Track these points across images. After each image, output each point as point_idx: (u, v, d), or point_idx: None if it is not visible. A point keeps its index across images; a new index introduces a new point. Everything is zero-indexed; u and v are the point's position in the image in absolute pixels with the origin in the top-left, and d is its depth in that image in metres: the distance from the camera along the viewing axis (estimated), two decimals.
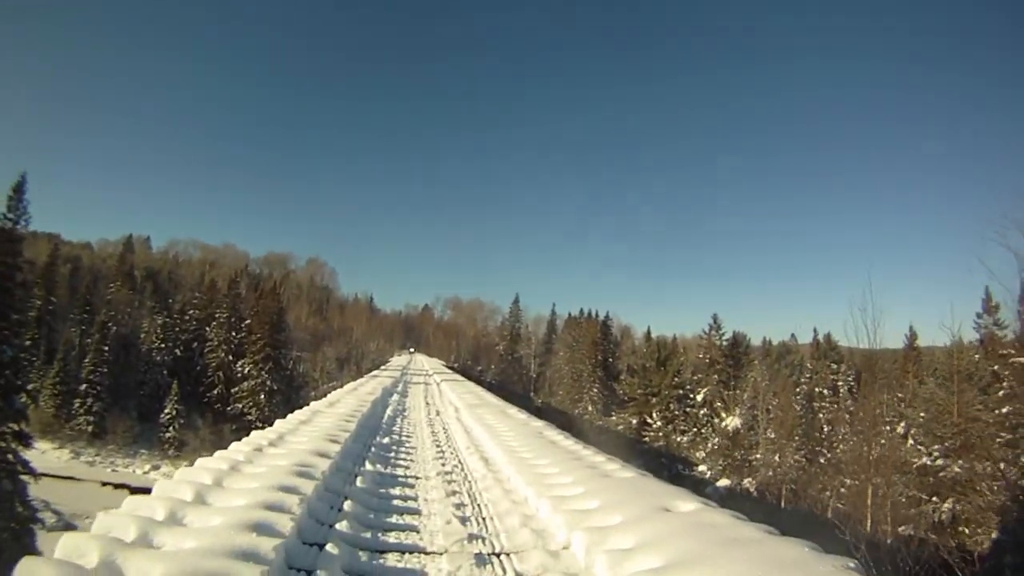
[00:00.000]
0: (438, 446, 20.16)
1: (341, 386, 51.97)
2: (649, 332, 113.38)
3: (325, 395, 36.52)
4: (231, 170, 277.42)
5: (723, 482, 65.35)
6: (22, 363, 48.98)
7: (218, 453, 12.17)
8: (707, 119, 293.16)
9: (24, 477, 41.62)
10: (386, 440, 19.83)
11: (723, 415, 70.53)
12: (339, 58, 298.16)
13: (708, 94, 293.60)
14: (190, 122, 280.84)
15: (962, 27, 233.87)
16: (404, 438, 21.40)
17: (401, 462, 16.53)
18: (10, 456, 40.65)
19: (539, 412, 59.31)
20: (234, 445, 13.55)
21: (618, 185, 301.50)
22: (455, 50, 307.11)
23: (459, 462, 17.10)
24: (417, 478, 14.50)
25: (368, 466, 14.73)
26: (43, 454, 70.90)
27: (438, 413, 31.66)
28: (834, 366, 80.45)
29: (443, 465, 16.35)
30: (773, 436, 66.32)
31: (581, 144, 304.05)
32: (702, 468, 69.09)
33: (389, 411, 29.35)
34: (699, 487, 59.44)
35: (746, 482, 64.11)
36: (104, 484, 66.29)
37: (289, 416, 20.52)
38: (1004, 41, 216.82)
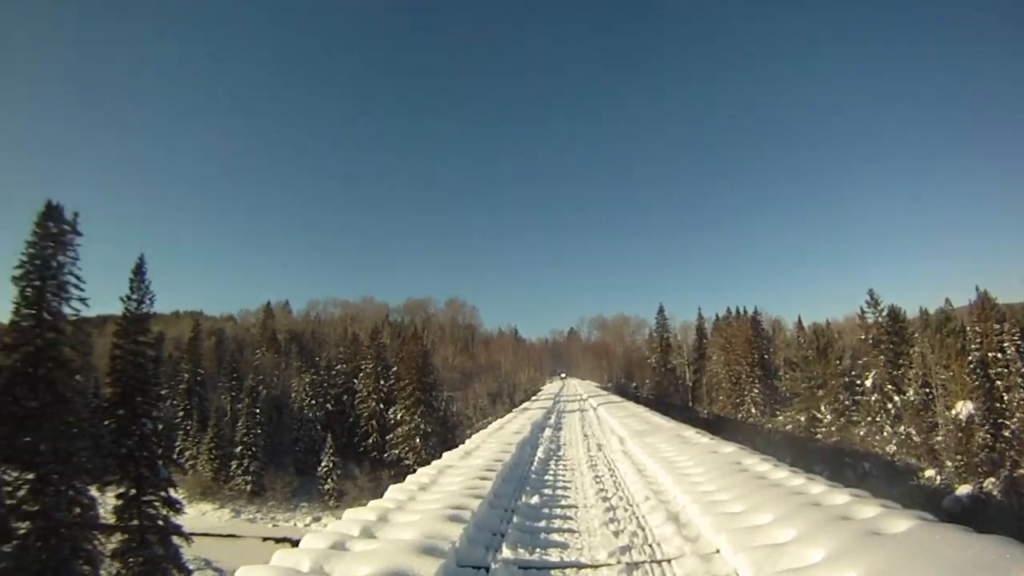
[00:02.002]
0: (606, 499, 14.23)
1: (495, 419, 48.23)
2: (800, 321, 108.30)
3: (480, 431, 33.56)
4: (360, 228, 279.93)
5: (963, 488, 55.17)
6: (163, 435, 49.80)
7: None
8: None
9: (177, 540, 44.66)
10: (535, 500, 14.27)
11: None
12: (458, 88, 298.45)
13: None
14: (312, 192, 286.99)
15: None
16: (559, 492, 15.76)
17: (555, 539, 10.85)
18: (160, 522, 43.48)
19: (709, 425, 52.79)
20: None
21: (751, 177, 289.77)
22: (574, 64, 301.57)
23: (642, 532, 11.09)
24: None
25: (506, 552, 9.69)
26: (203, 515, 74.78)
27: (599, 447, 25.60)
28: (996, 326, 68.42)
29: (617, 537, 10.60)
30: (952, 413, 59.27)
31: (710, 142, 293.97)
32: (929, 473, 58.32)
33: (540, 452, 24.03)
34: (933, 499, 51.81)
35: (988, 484, 54.40)
36: (265, 539, 65.74)
37: (409, 478, 15.70)
38: None
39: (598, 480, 17.21)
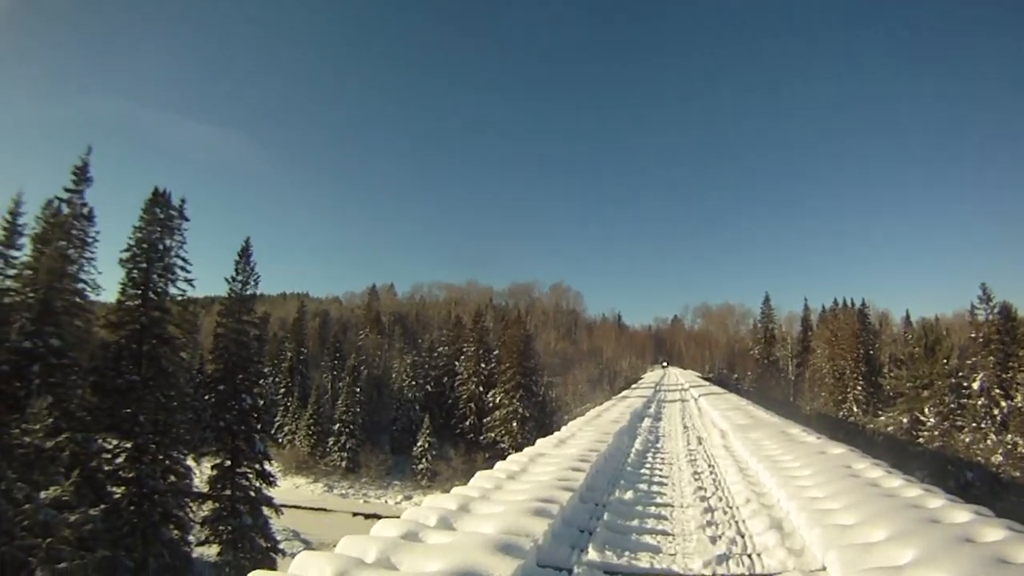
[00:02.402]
0: (704, 499, 13.29)
1: (594, 406, 47.56)
2: (908, 316, 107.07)
3: (577, 418, 32.76)
4: (466, 208, 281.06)
5: None
6: (263, 410, 51.15)
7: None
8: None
9: (267, 511, 47.03)
10: (628, 495, 13.40)
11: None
12: (565, 72, 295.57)
13: None
14: (419, 175, 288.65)
15: None
16: (654, 489, 14.78)
17: (646, 542, 10.00)
18: (252, 493, 46.17)
19: (810, 422, 50.77)
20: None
21: (861, 159, 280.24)
22: (664, 53, 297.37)
23: (741, 540, 10.11)
24: None
25: (592, 554, 8.94)
26: (297, 488, 77.43)
27: (700, 441, 24.69)
28: None
29: (714, 544, 9.70)
30: None
31: (820, 134, 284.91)
32: None
33: (638, 444, 22.99)
34: None
35: None
36: (355, 515, 63.31)
37: (499, 465, 15.06)
38: None
39: (697, 477, 16.30)
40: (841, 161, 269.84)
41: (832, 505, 10.46)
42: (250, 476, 47.01)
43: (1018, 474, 55.37)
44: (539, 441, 20.15)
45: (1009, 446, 57.70)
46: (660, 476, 16.48)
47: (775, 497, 12.62)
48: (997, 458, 57.80)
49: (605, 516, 11.03)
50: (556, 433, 23.14)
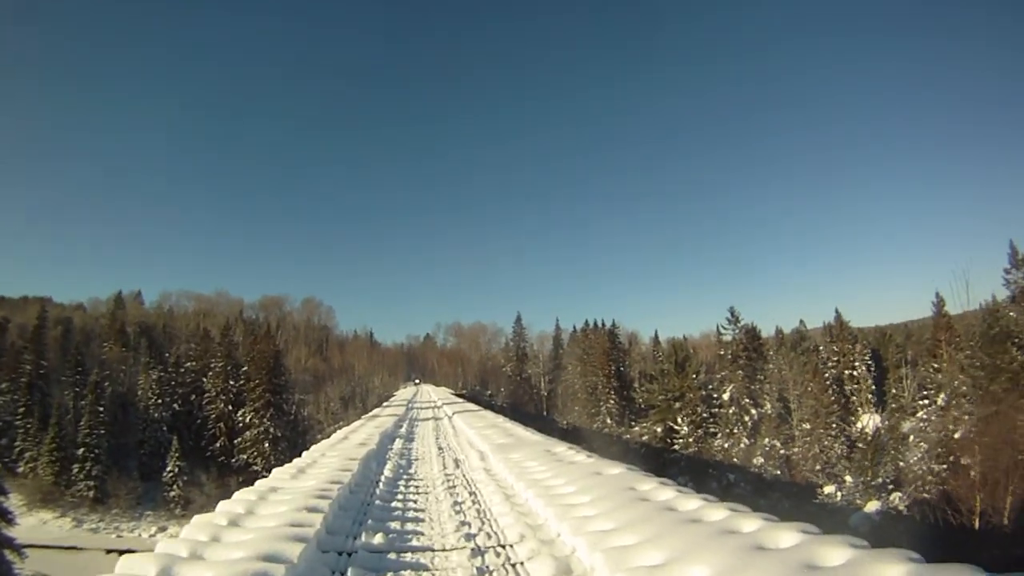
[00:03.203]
0: (469, 537, 10.78)
1: (347, 424, 44.47)
2: (657, 336, 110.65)
3: (322, 441, 29.30)
4: (218, 217, 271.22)
5: (872, 505, 53.67)
6: None
7: None
8: (691, 117, 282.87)
9: (11, 555, 40.77)
10: (378, 539, 10.41)
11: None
12: (319, 86, 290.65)
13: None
14: (173, 168, 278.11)
15: None
16: (409, 528, 11.88)
17: None
18: None
19: (567, 435, 50.61)
20: None
21: (609, 193, 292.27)
22: (436, 69, 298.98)
23: None
24: None
25: None
26: (44, 524, 68.46)
27: (457, 463, 21.51)
28: (849, 347, 75.67)
29: None
30: (808, 427, 61.12)
31: (565, 153, 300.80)
32: (828, 490, 57.32)
33: (388, 470, 19.38)
34: (836, 517, 50.10)
35: (895, 499, 53.33)
36: (109, 551, 58.55)
37: (220, 507, 11.60)
38: None
39: (458, 509, 13.59)
40: (580, 179, 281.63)
41: (628, 539, 8.45)
42: None
43: (779, 472, 59.79)
44: (274, 471, 17.04)
45: (767, 447, 61.65)
46: (415, 510, 13.79)
47: (554, 531, 10.51)
48: (759, 459, 61.76)
49: (349, 573, 8.55)
50: (296, 460, 19.55)
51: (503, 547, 10.15)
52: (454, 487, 16.52)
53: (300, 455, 21.21)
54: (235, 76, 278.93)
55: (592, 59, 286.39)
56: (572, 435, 64.56)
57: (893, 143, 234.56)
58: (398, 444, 28.23)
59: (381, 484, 16.66)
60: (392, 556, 9.73)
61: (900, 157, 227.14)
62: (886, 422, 62.78)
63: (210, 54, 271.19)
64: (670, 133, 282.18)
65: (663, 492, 11.30)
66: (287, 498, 12.28)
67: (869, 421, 68.24)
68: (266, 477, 16.14)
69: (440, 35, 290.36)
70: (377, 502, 14.35)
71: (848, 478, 56.01)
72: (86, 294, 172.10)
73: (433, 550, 10.11)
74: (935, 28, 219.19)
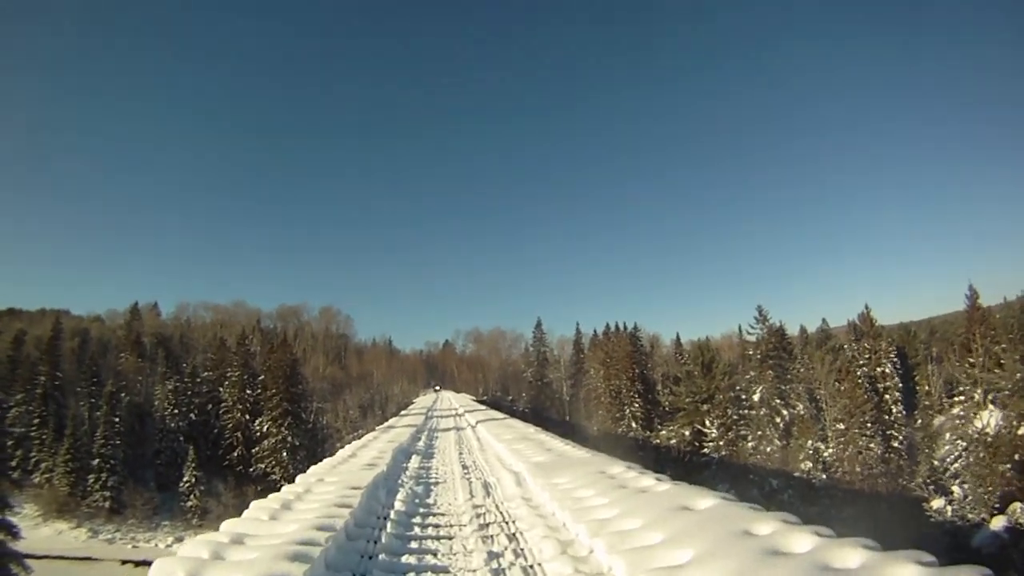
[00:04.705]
0: None
1: (366, 432, 41.70)
2: (678, 338, 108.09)
3: (326, 459, 23.62)
4: (235, 227, 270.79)
5: (997, 522, 45.78)
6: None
7: None
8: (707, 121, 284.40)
9: (16, 569, 38.89)
10: None
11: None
12: (336, 91, 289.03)
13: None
14: (190, 179, 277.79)
15: None
16: None
17: None
18: None
19: (596, 444, 46.12)
20: None
21: (626, 196, 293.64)
22: (445, 81, 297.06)
23: None
24: None
25: None
26: (59, 535, 66.07)
27: (487, 491, 16.36)
28: (877, 344, 70.76)
29: None
30: (842, 427, 56.66)
31: (581, 158, 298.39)
32: (936, 504, 50.90)
33: (399, 502, 14.38)
34: (957, 537, 44.60)
35: (1015, 510, 46.12)
36: (124, 562, 59.55)
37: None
38: None
39: (498, 570, 9.01)
40: (591, 189, 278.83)
41: None
42: None
43: (824, 476, 55.35)
44: (252, 506, 12.07)
45: (810, 450, 57.48)
46: (435, 572, 9.19)
47: None
48: (805, 464, 57.31)
49: None
50: (280, 494, 14.07)
51: None
52: (487, 528, 11.78)
53: (318, 462, 18.82)
54: (253, 84, 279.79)
55: (614, 66, 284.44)
56: (603, 442, 60.75)
57: (909, 141, 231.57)
58: (414, 462, 23.43)
59: (389, 526, 11.88)
60: None
61: (919, 155, 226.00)
62: (1000, 420, 55.65)
63: (228, 61, 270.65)
64: (687, 135, 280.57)
65: (798, 539, 7.40)
66: (253, 557, 8.16)
67: (945, 421, 64.43)
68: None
69: (461, 40, 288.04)
70: (381, 557, 9.76)
71: (956, 489, 49.40)
72: (104, 306, 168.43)
73: None
74: (954, 25, 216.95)
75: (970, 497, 45.42)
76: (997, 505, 45.57)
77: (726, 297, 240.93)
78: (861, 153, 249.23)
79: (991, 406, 56.19)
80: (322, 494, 13.50)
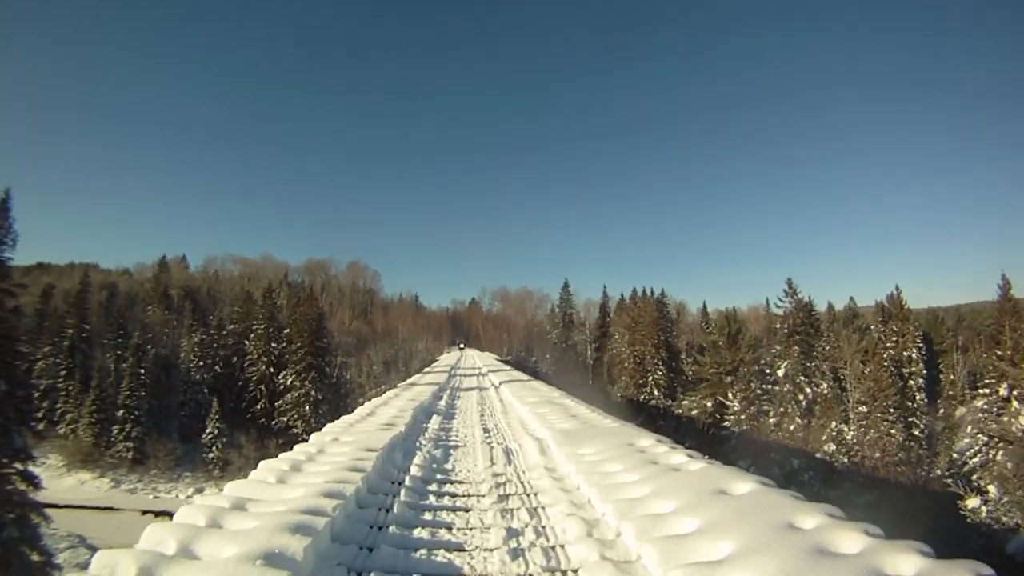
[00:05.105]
0: None
1: (390, 388, 41.82)
2: (705, 307, 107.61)
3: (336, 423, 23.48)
4: (264, 180, 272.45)
5: None
6: (23, 398, 41.43)
7: None
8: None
9: (36, 518, 35.09)
10: None
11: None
12: (364, 59, 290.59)
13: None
14: (218, 134, 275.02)
15: None
16: None
17: None
18: (16, 498, 34.32)
19: (620, 411, 44.50)
20: None
21: (662, 163, 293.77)
22: (476, 44, 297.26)
23: None
24: None
25: None
26: (82, 484, 66.81)
27: (509, 457, 15.35)
28: (905, 327, 69.89)
29: None
30: (865, 409, 54.42)
31: (616, 122, 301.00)
32: (972, 503, 42.92)
33: (416, 467, 13.26)
34: (992, 540, 39.17)
35: None
36: (145, 512, 58.08)
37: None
38: None
39: (517, 549, 8.29)
40: (629, 152, 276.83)
41: None
42: (14, 479, 37.33)
43: (845, 460, 53.35)
44: (261, 466, 11.42)
45: (834, 432, 55.36)
46: (447, 549, 8.40)
47: None
48: (829, 446, 55.08)
49: None
50: (297, 449, 13.67)
51: None
52: (506, 500, 11.00)
53: (339, 418, 18.59)
54: (278, 41, 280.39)
55: (647, 36, 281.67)
56: (624, 409, 60.50)
57: (957, 127, 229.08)
58: (435, 423, 22.26)
59: (403, 493, 10.99)
60: None
61: (955, 141, 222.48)
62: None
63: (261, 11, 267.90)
64: (725, 105, 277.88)
65: (847, 537, 6.84)
66: (249, 526, 7.53)
67: (967, 413, 63.09)
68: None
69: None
70: (392, 529, 8.96)
71: (992, 489, 43.05)
72: (132, 260, 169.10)
73: None
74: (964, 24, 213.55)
75: (1006, 499, 42.40)
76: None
77: (753, 269, 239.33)
78: (897, 134, 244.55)
79: None
80: (335, 455, 12.83)
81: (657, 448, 13.12)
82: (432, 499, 11.15)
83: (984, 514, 40.97)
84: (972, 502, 41.76)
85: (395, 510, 9.94)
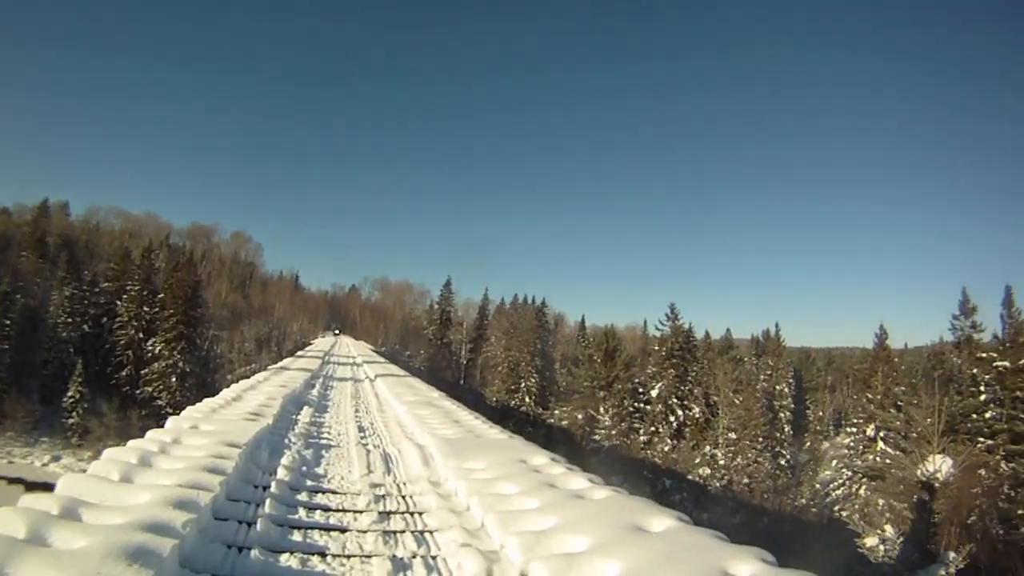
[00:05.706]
0: None
1: (261, 369, 40.92)
2: (583, 321, 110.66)
3: (240, 380, 25.18)
4: (158, 133, 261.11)
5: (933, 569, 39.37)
6: None
7: None
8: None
9: None
10: None
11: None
12: (268, 32, 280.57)
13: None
14: (115, 83, 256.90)
15: None
16: None
17: None
18: None
19: (494, 414, 44.11)
20: None
21: (553, 171, 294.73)
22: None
23: None
24: None
25: None
26: None
27: (388, 466, 13.68)
28: (778, 363, 74.26)
29: None
30: (734, 436, 57.01)
31: (523, 129, 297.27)
32: (870, 541, 43.60)
33: (282, 471, 11.59)
34: None
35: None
36: None
37: None
38: None
39: None
40: (524, 156, 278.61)
41: None
42: None
43: (719, 484, 54.62)
44: (104, 457, 9.78)
45: (707, 455, 57.59)
46: None
47: None
48: (703, 470, 56.57)
49: None
50: (149, 436, 11.95)
51: None
52: (388, 519, 9.50)
53: (210, 394, 17.91)
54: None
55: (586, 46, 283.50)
56: (497, 414, 62.76)
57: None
58: (305, 416, 20.56)
59: (268, 504, 9.28)
60: None
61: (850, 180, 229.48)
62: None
63: None
64: (626, 127, 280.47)
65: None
66: (77, 546, 5.75)
67: (829, 448, 65.90)
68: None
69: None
70: (254, 554, 7.31)
71: (888, 528, 43.26)
72: (12, 199, 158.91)
73: None
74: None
75: (901, 539, 42.90)
76: (930, 547, 43.15)
77: (635, 290, 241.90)
78: (783, 177, 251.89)
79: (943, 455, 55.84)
80: (193, 448, 11.22)
81: (552, 468, 11.85)
82: (302, 512, 9.57)
83: (882, 552, 42.11)
84: (870, 540, 42.87)
85: (259, 526, 8.36)
